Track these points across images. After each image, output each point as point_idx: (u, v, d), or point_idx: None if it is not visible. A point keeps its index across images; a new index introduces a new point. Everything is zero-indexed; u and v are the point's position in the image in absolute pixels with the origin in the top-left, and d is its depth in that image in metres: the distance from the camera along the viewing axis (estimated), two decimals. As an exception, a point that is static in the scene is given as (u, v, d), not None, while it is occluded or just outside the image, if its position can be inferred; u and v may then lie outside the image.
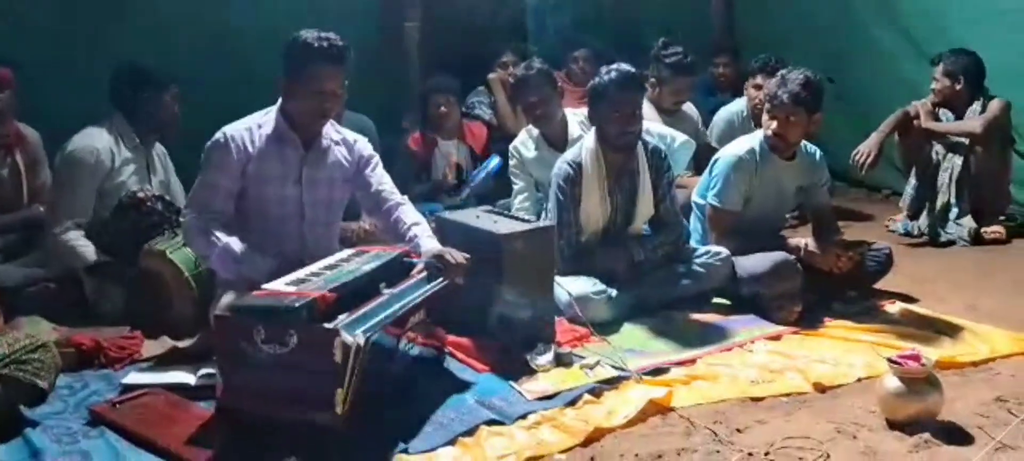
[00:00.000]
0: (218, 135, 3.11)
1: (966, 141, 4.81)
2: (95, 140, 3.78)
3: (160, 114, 3.93)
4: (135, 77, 3.90)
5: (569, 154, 3.72)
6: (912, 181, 5.07)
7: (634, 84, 3.61)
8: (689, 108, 5.16)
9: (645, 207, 3.72)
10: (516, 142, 4.43)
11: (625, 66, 3.63)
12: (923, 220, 4.92)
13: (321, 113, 3.11)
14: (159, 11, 4.91)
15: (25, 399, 2.60)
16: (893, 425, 2.60)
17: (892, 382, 2.63)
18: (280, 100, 3.18)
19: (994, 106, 4.71)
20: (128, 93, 3.89)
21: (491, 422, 2.65)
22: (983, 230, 4.70)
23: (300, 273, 2.74)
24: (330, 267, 2.82)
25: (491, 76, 5.67)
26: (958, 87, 4.77)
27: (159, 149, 4.08)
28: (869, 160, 4.65)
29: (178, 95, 3.97)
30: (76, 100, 4.41)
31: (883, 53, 5.72)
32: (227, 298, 2.81)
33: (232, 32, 5.02)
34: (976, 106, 4.78)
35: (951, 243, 4.73)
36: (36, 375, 2.57)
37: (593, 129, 3.70)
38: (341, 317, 2.47)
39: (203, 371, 2.86)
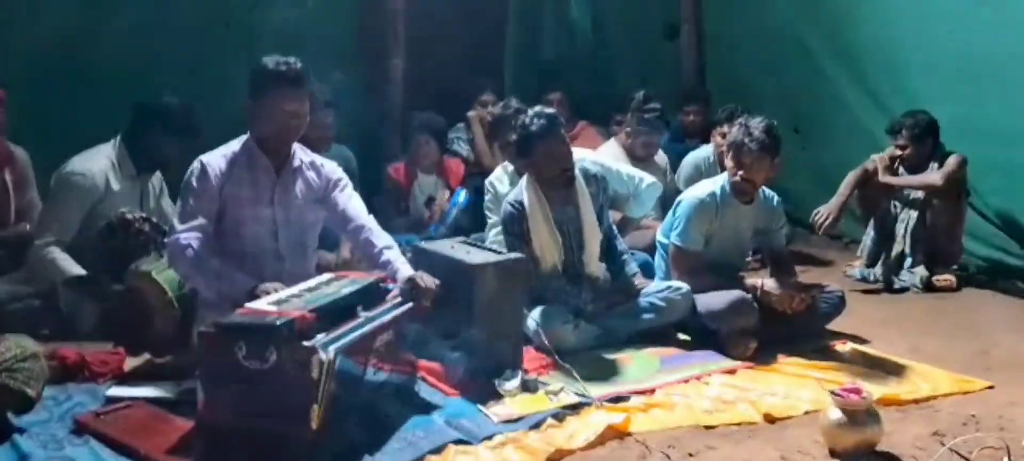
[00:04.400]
0: (195, 164, 3.30)
1: (922, 196, 5.04)
2: (92, 163, 3.91)
3: (162, 155, 4.03)
4: (150, 115, 3.99)
5: (511, 195, 3.88)
6: (870, 231, 5.28)
7: (558, 124, 3.77)
8: (658, 155, 5.39)
9: (592, 234, 3.87)
10: (491, 177, 4.58)
11: (542, 110, 3.80)
12: (879, 268, 5.13)
13: (286, 134, 3.30)
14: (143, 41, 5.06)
15: (14, 406, 2.72)
16: (834, 454, 2.78)
17: (834, 413, 2.80)
18: (251, 127, 3.35)
19: (953, 161, 4.93)
20: (138, 126, 4.00)
21: (458, 442, 2.79)
22: (935, 278, 4.92)
23: (281, 294, 2.88)
24: (310, 289, 2.96)
25: (470, 114, 5.86)
26: (923, 148, 4.99)
27: (156, 177, 4.19)
28: (827, 222, 4.86)
29: (189, 144, 3.97)
30: (64, 124, 4.57)
31: (844, 105, 5.96)
32: (211, 316, 2.94)
33: (215, 69, 5.18)
34: (933, 164, 5.01)
35: (905, 290, 4.94)
36: (25, 383, 2.69)
37: (526, 174, 3.84)
38: (319, 336, 2.60)
39: (184, 386, 2.99)
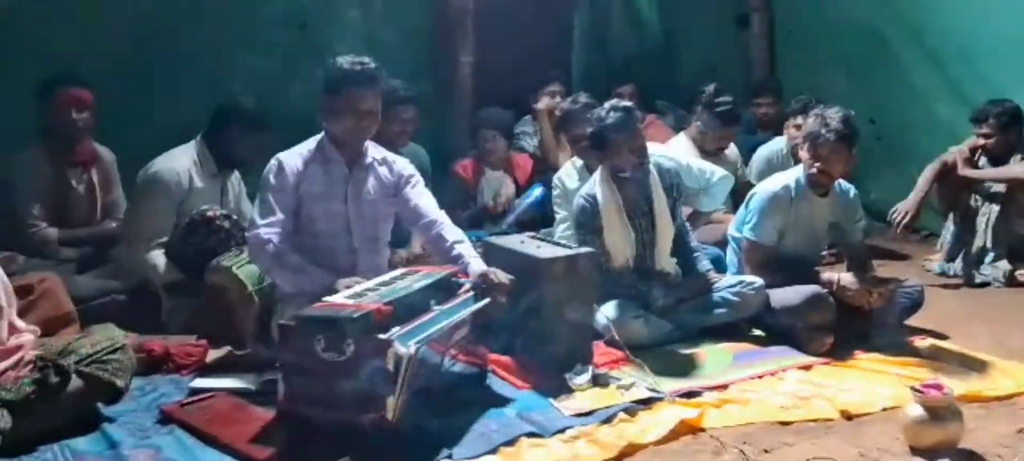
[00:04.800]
0: (272, 161, 3.39)
1: (1003, 189, 4.89)
2: (175, 163, 4.04)
3: (241, 153, 4.15)
4: (230, 114, 4.11)
5: (584, 188, 3.88)
6: (949, 225, 5.15)
7: (634, 119, 3.76)
8: (729, 148, 5.32)
9: (665, 229, 3.85)
10: (560, 173, 4.59)
11: (619, 103, 3.79)
12: (959, 262, 5.00)
13: (359, 132, 3.37)
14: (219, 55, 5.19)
15: (103, 396, 2.84)
16: (916, 451, 2.73)
17: (915, 409, 2.75)
18: (326, 125, 3.43)
19: None
20: (218, 126, 4.12)
21: (530, 435, 2.82)
22: (1018, 272, 4.76)
23: (357, 288, 2.94)
24: (385, 284, 3.02)
25: (538, 106, 5.85)
26: (1009, 138, 4.85)
27: (235, 175, 4.32)
28: (906, 219, 4.74)
29: (267, 142, 4.07)
30: (144, 125, 4.72)
31: (921, 94, 5.81)
32: (290, 310, 3.02)
33: (290, 69, 5.29)
34: (1017, 154, 4.86)
35: (986, 284, 4.80)
36: (115, 374, 2.80)
37: (599, 168, 3.84)
38: (394, 329, 2.65)
39: (265, 377, 3.08)
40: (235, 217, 3.94)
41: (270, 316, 3.41)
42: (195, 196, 4.01)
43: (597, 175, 3.85)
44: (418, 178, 3.56)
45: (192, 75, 4.97)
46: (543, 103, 5.76)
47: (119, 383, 2.82)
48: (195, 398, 3.00)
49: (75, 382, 2.72)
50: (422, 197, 3.51)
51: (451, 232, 3.42)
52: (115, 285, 4.01)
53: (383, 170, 3.49)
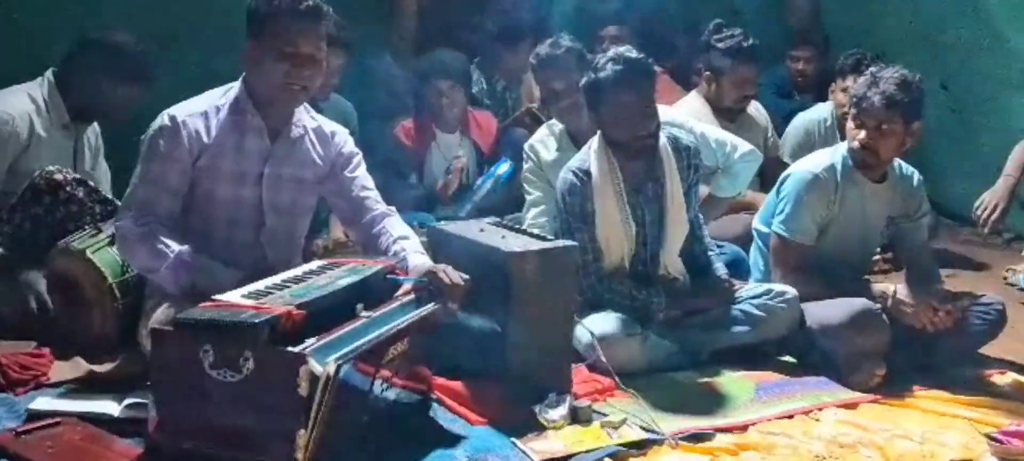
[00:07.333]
0: (164, 119, 3.30)
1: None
2: (11, 105, 3.97)
3: (106, 104, 4.12)
4: (94, 50, 4.07)
5: (574, 160, 3.90)
6: (1043, 224, 5.27)
7: (640, 73, 3.74)
8: (756, 110, 5.39)
9: (677, 221, 3.87)
10: (533, 140, 4.60)
11: (625, 52, 3.79)
12: (1054, 273, 5.13)
13: (294, 82, 3.29)
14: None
15: (-89, 419, 2.80)
16: (991, 516, 2.80)
17: (991, 464, 2.82)
18: (243, 75, 3.39)
19: None
20: (77, 62, 4.07)
21: (487, 485, 2.85)
22: None
23: (259, 285, 2.93)
24: (296, 280, 3.01)
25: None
26: None
27: (93, 128, 4.29)
28: (995, 214, 4.74)
29: (142, 92, 4.12)
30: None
31: (1014, 57, 5.92)
32: (166, 311, 3.00)
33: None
34: None
35: (1087, 304, 4.91)
36: (-73, 391, 2.77)
37: (596, 136, 3.88)
38: (309, 340, 2.64)
39: (129, 400, 3.05)
40: (92, 183, 3.90)
41: (137, 317, 3.39)
42: (38, 150, 3.97)
43: (593, 143, 3.87)
44: (360, 159, 3.57)
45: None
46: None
47: (-68, 403, 2.78)
48: (35, 425, 2.95)
49: None
50: (365, 185, 3.53)
51: (397, 228, 3.45)
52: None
53: (316, 145, 3.48)
